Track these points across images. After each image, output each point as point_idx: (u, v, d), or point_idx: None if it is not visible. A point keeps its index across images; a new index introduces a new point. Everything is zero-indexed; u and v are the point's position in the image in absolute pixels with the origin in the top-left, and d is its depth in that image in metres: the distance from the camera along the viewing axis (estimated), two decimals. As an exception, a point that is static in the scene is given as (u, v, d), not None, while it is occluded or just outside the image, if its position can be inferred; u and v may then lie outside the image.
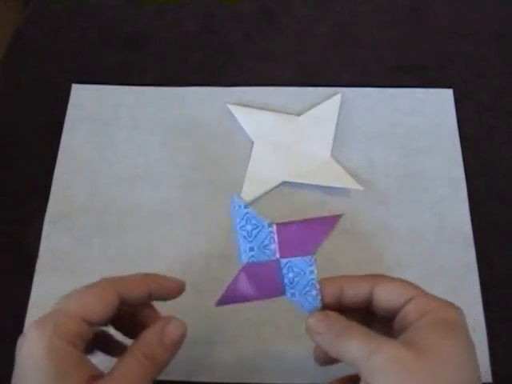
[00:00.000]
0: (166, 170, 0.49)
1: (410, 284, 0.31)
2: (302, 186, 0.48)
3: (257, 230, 0.32)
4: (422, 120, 0.51)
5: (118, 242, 0.46)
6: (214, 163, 0.49)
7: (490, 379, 0.40)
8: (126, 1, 0.59)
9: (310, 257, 0.32)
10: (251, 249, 0.32)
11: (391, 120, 0.51)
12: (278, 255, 0.32)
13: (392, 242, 0.46)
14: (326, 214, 0.46)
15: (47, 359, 0.27)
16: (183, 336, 0.31)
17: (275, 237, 0.32)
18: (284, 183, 0.48)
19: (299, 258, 0.32)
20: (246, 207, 0.32)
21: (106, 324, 0.31)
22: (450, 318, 0.29)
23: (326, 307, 0.32)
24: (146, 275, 0.33)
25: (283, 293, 0.32)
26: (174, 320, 0.31)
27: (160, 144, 0.50)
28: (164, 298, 0.33)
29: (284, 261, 0.32)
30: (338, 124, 0.51)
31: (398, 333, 0.30)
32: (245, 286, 0.32)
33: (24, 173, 0.49)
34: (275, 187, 0.48)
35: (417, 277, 0.44)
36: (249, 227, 0.32)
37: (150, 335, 0.30)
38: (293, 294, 0.32)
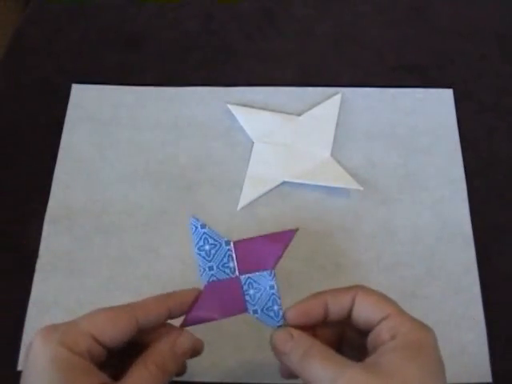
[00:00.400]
0: (165, 170, 0.49)
1: (387, 301, 0.31)
2: (302, 185, 0.48)
3: (215, 249, 0.33)
4: (422, 120, 0.51)
5: (118, 242, 0.46)
6: (214, 163, 0.49)
7: (489, 379, 0.40)
8: (126, 1, 0.59)
9: (269, 271, 0.32)
10: (211, 268, 0.33)
11: (391, 120, 0.51)
12: (237, 272, 0.33)
13: (392, 241, 0.46)
14: (326, 213, 0.47)
15: (52, 368, 0.27)
16: (192, 348, 0.32)
17: (233, 254, 0.33)
18: (284, 183, 0.48)
19: (258, 273, 0.32)
20: (202, 227, 0.33)
21: (120, 347, 0.30)
22: (419, 340, 0.29)
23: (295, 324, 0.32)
24: (163, 295, 0.33)
25: (245, 310, 0.33)
26: (185, 332, 0.32)
27: (160, 144, 0.50)
28: (183, 312, 0.33)
29: (244, 277, 0.33)
30: (338, 124, 0.51)
31: (371, 349, 0.30)
32: (208, 305, 0.33)
33: (24, 173, 0.49)
34: (275, 187, 0.48)
35: (417, 277, 0.44)
36: (207, 247, 0.33)
37: (162, 345, 0.31)
38: (255, 311, 0.33)
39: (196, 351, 0.34)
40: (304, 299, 0.32)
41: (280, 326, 0.32)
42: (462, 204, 0.47)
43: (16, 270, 0.45)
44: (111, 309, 0.30)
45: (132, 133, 0.51)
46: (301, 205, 0.47)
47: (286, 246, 0.33)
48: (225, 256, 0.33)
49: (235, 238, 0.46)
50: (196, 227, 0.33)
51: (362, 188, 0.46)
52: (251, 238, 0.33)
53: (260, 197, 0.47)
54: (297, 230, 0.34)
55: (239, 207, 0.47)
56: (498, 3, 0.59)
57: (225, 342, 0.42)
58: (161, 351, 0.30)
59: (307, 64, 0.55)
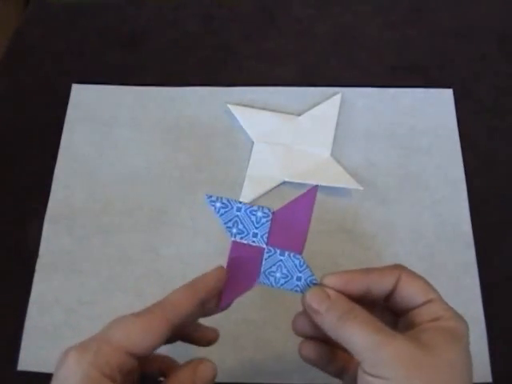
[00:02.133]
0: (165, 170, 0.49)
1: (430, 286, 0.31)
2: (302, 185, 0.47)
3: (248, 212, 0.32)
4: (422, 120, 0.51)
5: (118, 242, 0.46)
6: (214, 163, 0.49)
7: (489, 379, 0.40)
8: (126, 1, 0.59)
9: (299, 259, 0.31)
10: (241, 231, 0.32)
11: (391, 120, 0.51)
12: (264, 243, 0.32)
13: (392, 241, 0.46)
14: (326, 213, 0.47)
15: None
16: (214, 378, 0.30)
17: (268, 223, 0.32)
18: (284, 183, 0.48)
19: (287, 254, 0.31)
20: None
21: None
22: (458, 329, 0.29)
23: None
24: (191, 285, 0.31)
25: (258, 282, 0.31)
26: (205, 361, 0.30)
27: (160, 144, 0.50)
28: (215, 299, 0.32)
29: (271, 250, 0.32)
30: (338, 124, 0.51)
31: (404, 328, 0.30)
32: (235, 276, 0.32)
33: (24, 173, 0.49)
34: (275, 187, 0.48)
35: (417, 277, 0.44)
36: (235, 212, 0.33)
37: (182, 375, 0.29)
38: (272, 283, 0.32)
39: (212, 339, 0.33)
40: (348, 271, 0.31)
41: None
42: (462, 204, 0.47)
43: (16, 270, 0.45)
44: (143, 316, 0.28)
45: (132, 133, 0.51)
46: (301, 205, 0.47)
47: (313, 207, 0.32)
48: (256, 222, 0.32)
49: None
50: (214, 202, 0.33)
51: (362, 188, 0.46)
52: (282, 208, 0.33)
53: (260, 197, 0.47)
54: (317, 186, 0.33)
55: (239, 207, 0.47)
56: (497, 3, 0.59)
57: (225, 342, 0.42)
58: (182, 380, 0.29)
59: (307, 64, 0.55)
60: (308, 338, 0.32)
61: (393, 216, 0.47)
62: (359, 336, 0.28)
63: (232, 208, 0.32)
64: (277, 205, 0.47)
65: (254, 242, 0.32)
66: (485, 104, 0.52)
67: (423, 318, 0.29)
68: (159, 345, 0.28)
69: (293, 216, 0.32)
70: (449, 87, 0.53)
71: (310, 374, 0.40)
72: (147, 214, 0.47)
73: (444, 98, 0.52)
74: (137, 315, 0.28)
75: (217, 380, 0.40)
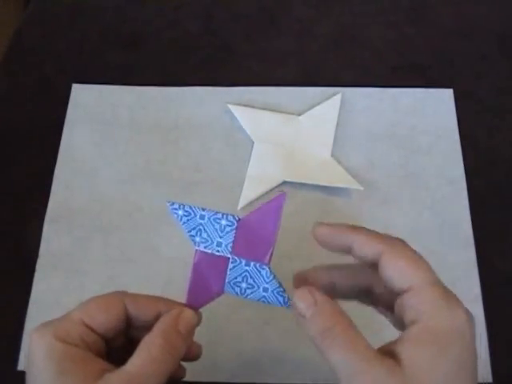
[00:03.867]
0: (165, 170, 0.49)
1: (413, 268, 0.27)
2: (302, 185, 0.48)
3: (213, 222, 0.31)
4: (423, 120, 0.51)
5: (118, 242, 0.46)
6: (214, 163, 0.49)
7: (490, 379, 0.40)
8: (126, 1, 0.59)
9: (266, 270, 0.30)
10: (205, 240, 0.31)
11: (391, 120, 0.51)
12: (229, 252, 0.31)
13: (392, 241, 0.46)
14: (326, 213, 0.47)
15: (47, 360, 0.27)
16: (195, 324, 0.30)
17: (233, 232, 0.31)
18: (284, 183, 0.48)
19: (254, 265, 0.30)
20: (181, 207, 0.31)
21: (113, 335, 0.30)
22: (445, 329, 0.25)
23: None
24: (157, 297, 0.32)
25: (223, 292, 0.31)
26: (186, 309, 0.31)
27: (160, 144, 0.50)
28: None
29: (236, 260, 0.31)
30: (338, 124, 0.51)
31: (397, 316, 0.28)
32: (199, 284, 0.31)
33: (24, 173, 0.49)
34: (275, 187, 0.48)
35: (417, 277, 0.44)
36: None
37: (165, 325, 0.29)
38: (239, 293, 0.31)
39: (195, 355, 0.33)
40: (337, 224, 0.30)
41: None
42: (462, 204, 0.47)
43: (16, 269, 0.45)
44: (101, 296, 0.30)
45: (132, 133, 0.51)
46: (301, 205, 0.47)
47: (280, 215, 0.31)
48: (220, 231, 0.31)
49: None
50: (176, 209, 0.31)
51: (362, 188, 0.46)
52: (248, 215, 0.31)
53: (260, 197, 0.47)
54: (285, 193, 0.32)
55: (239, 207, 0.47)
56: (498, 3, 0.59)
57: (225, 342, 0.42)
58: (164, 331, 0.29)
59: (307, 64, 0.55)
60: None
61: (393, 216, 0.47)
62: (337, 360, 0.26)
63: (195, 216, 0.31)
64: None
65: (218, 251, 0.31)
66: (485, 104, 0.52)
67: (406, 314, 0.26)
68: (115, 323, 0.29)
69: (259, 224, 0.31)
70: (449, 87, 0.53)
71: (310, 374, 0.40)
72: (147, 214, 0.47)
73: (444, 97, 0.52)
74: (97, 296, 0.30)
75: (217, 380, 0.40)
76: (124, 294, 0.31)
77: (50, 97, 0.53)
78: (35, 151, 0.50)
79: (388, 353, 0.26)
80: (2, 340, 0.42)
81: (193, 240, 0.31)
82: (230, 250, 0.31)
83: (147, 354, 0.28)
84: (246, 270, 0.31)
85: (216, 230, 0.31)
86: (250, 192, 0.47)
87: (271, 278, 0.30)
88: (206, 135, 0.50)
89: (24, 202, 0.48)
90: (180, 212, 0.31)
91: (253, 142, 0.50)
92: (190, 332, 0.30)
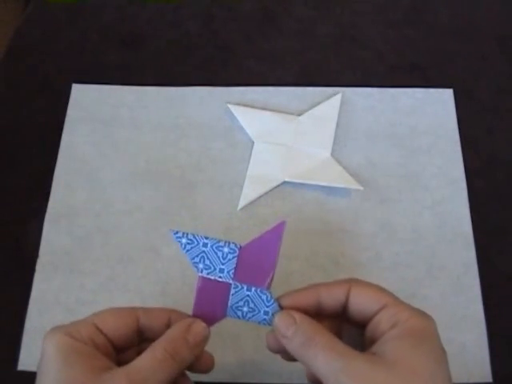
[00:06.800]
0: (166, 170, 0.49)
1: (383, 291, 0.31)
2: (302, 185, 0.48)
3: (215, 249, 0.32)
4: (422, 120, 0.51)
5: (118, 242, 0.46)
6: (214, 163, 0.49)
7: (490, 379, 0.40)
8: (126, 1, 0.59)
9: (266, 294, 0.32)
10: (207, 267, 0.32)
11: (391, 120, 0.51)
12: (231, 278, 0.32)
13: (392, 241, 0.46)
14: (326, 213, 0.47)
15: (56, 353, 0.28)
16: (207, 338, 0.32)
17: (235, 259, 0.32)
18: (284, 183, 0.48)
19: (255, 290, 0.32)
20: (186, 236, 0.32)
21: (124, 344, 0.31)
22: (420, 328, 0.29)
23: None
24: (170, 309, 0.33)
25: (225, 315, 0.32)
26: (199, 320, 0.32)
27: (160, 144, 0.50)
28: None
29: (237, 286, 0.32)
30: (338, 124, 0.51)
31: (369, 341, 0.30)
32: (203, 307, 0.32)
33: (24, 173, 0.49)
34: (275, 187, 0.48)
35: (417, 277, 0.44)
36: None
37: (173, 332, 0.31)
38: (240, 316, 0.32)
39: (207, 367, 0.33)
40: (298, 289, 0.32)
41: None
42: (462, 204, 0.47)
43: (16, 269, 0.45)
44: (117, 307, 0.32)
45: (132, 133, 0.51)
46: (301, 205, 0.47)
47: (280, 242, 0.32)
48: (222, 258, 0.32)
49: (235, 238, 0.46)
50: (180, 238, 0.33)
51: (362, 188, 0.46)
52: (249, 243, 0.33)
53: (260, 197, 0.47)
54: (285, 221, 0.33)
55: (239, 207, 0.47)
56: (498, 3, 0.59)
57: (224, 343, 0.42)
58: (171, 337, 0.30)
59: (307, 64, 0.55)
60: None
61: (393, 216, 0.47)
62: (320, 363, 0.28)
63: (198, 244, 0.32)
64: (277, 205, 0.48)
65: (220, 277, 0.32)
66: (485, 104, 0.52)
67: (383, 326, 0.29)
68: (125, 330, 0.30)
69: (260, 251, 0.32)
70: (449, 87, 0.53)
71: (310, 374, 0.40)
72: (147, 214, 0.47)
73: (444, 98, 0.52)
74: (111, 307, 0.32)
75: (217, 380, 0.40)
76: (138, 307, 0.32)
77: (50, 97, 0.53)
78: (35, 151, 0.50)
79: (368, 354, 0.28)
80: (2, 340, 0.42)
81: (196, 267, 0.33)
82: (231, 276, 0.32)
83: (151, 355, 0.29)
84: (248, 295, 0.32)
85: (218, 257, 0.32)
86: (250, 192, 0.47)
87: (272, 301, 0.32)
88: (206, 135, 0.50)
89: (24, 202, 0.48)
90: (183, 240, 0.32)
91: (253, 142, 0.50)
92: (199, 343, 0.31)
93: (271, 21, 0.58)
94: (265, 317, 0.32)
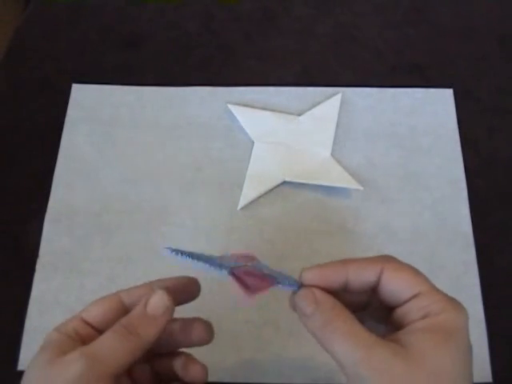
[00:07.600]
0: (166, 170, 0.49)
1: (418, 277, 0.29)
2: (302, 185, 0.48)
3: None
4: (422, 120, 0.51)
5: (118, 242, 0.46)
6: (214, 163, 0.49)
7: (490, 379, 0.40)
8: (126, 1, 0.59)
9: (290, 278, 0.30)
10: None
11: (391, 120, 0.51)
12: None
13: (392, 241, 0.46)
14: (326, 213, 0.47)
15: (42, 349, 0.29)
16: (169, 309, 0.30)
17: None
18: (284, 183, 0.48)
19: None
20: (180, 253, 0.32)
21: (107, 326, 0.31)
22: (451, 323, 0.27)
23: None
24: (150, 282, 0.32)
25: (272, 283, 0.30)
26: (160, 292, 0.30)
27: (160, 144, 0.50)
28: (185, 299, 0.32)
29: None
30: (338, 124, 0.51)
31: (395, 324, 0.29)
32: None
33: (24, 173, 0.49)
34: (275, 187, 0.48)
35: (417, 277, 0.44)
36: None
37: (135, 308, 0.30)
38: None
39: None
40: (325, 264, 0.30)
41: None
42: (462, 204, 0.47)
43: (16, 269, 0.45)
44: (104, 296, 0.32)
45: (132, 133, 0.51)
46: (301, 205, 0.47)
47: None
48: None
49: (235, 238, 0.46)
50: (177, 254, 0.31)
51: (362, 188, 0.46)
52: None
53: (260, 197, 0.47)
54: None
55: (239, 207, 0.47)
56: (498, 3, 0.59)
57: (224, 342, 0.42)
58: (131, 313, 0.30)
59: (307, 64, 0.55)
60: None
61: (393, 216, 0.47)
62: (341, 346, 0.27)
63: (193, 261, 0.32)
64: (277, 205, 0.48)
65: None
66: (485, 104, 0.52)
67: (412, 315, 0.28)
68: (110, 315, 0.30)
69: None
70: (449, 87, 0.53)
71: (310, 374, 0.40)
72: (147, 214, 0.47)
73: (444, 98, 0.52)
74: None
75: (217, 380, 0.40)
76: (118, 291, 0.32)
77: (50, 97, 0.53)
78: (35, 151, 0.50)
79: (391, 341, 0.27)
80: (2, 340, 0.42)
81: (220, 268, 0.32)
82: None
83: (110, 332, 0.29)
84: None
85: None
86: (250, 192, 0.47)
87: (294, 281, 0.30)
88: (206, 135, 0.50)
89: (24, 202, 0.48)
90: (179, 257, 0.31)
91: (253, 142, 0.50)
92: (160, 315, 0.30)
93: (271, 20, 0.58)
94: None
